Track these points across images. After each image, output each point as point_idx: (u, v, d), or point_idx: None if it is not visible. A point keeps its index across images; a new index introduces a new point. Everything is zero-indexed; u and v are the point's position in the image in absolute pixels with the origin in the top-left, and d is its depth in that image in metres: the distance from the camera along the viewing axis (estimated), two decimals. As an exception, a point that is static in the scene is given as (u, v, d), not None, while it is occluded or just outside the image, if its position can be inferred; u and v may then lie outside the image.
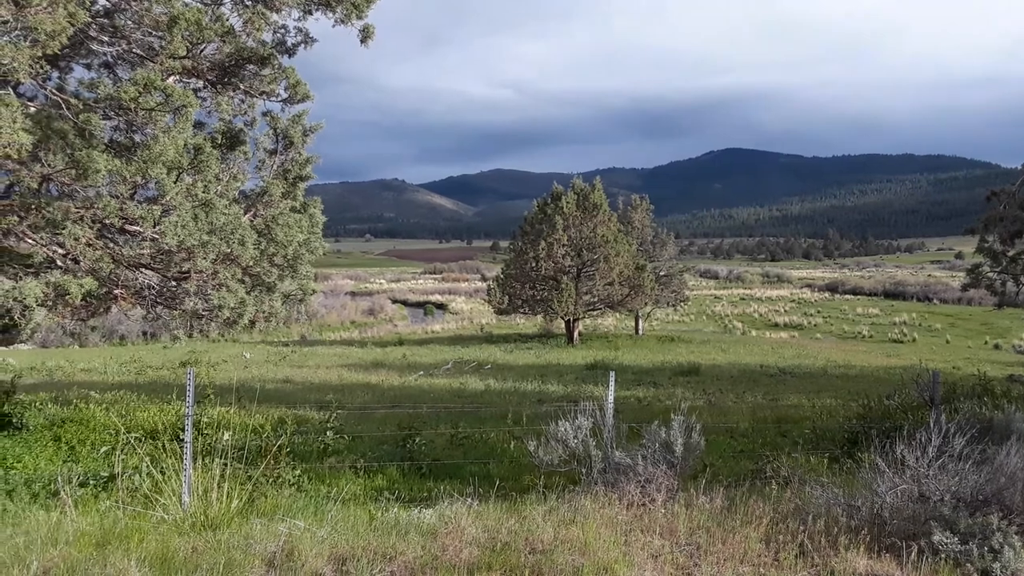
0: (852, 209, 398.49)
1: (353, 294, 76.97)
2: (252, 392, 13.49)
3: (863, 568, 4.42)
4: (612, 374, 7.70)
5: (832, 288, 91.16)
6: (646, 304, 40.88)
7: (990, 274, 10.57)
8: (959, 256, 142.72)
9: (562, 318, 38.71)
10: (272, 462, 7.00)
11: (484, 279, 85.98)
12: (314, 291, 8.60)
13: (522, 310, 40.01)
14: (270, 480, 6.89)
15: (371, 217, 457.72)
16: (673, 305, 47.64)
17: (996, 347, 43.16)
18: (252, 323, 7.73)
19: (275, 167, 7.98)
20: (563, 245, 37.37)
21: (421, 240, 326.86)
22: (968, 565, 4.46)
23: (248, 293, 7.50)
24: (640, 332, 44.07)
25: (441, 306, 74.22)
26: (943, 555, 4.55)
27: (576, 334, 38.99)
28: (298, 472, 7.44)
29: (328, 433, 8.89)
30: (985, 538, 4.53)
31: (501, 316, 44.97)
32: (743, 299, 76.25)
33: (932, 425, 5.60)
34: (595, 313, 41.25)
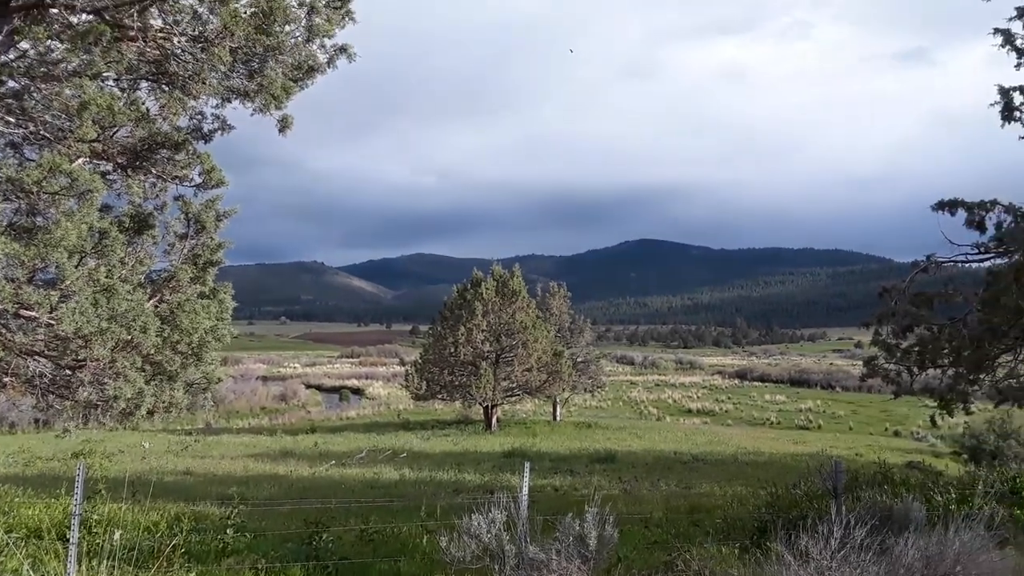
0: (758, 299, 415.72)
1: (265, 379, 74.39)
2: (149, 486, 12.72)
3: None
4: (527, 465, 7.63)
5: (741, 375, 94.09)
6: (564, 390, 41.08)
7: (885, 365, 11.12)
8: (858, 345, 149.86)
9: (480, 404, 38.40)
10: (165, 564, 6.56)
11: (403, 363, 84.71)
12: (220, 379, 8.29)
13: (440, 396, 39.49)
14: (162, 583, 6.44)
15: (288, 299, 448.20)
16: (590, 391, 48.04)
17: (896, 434, 45.07)
18: (151, 413, 7.37)
19: (185, 251, 7.80)
20: (482, 330, 37.45)
21: (339, 323, 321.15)
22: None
23: (148, 382, 7.17)
24: (558, 418, 44.06)
25: (357, 391, 72.49)
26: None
27: (494, 420, 38.66)
28: (193, 575, 6.98)
29: (228, 531, 8.42)
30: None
31: (419, 402, 44.26)
32: (658, 385, 77.68)
33: (834, 516, 5.76)
34: (513, 399, 41.11)
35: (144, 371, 7.36)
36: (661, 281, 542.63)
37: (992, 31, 9.99)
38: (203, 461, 24.87)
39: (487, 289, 38.17)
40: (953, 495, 11.45)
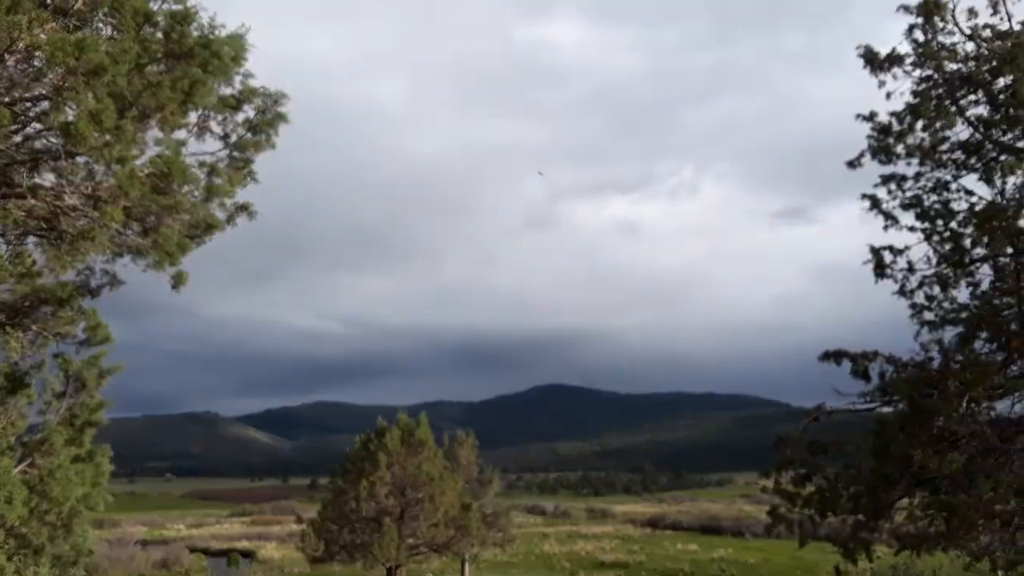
0: (665, 443, 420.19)
1: (145, 543, 68.08)
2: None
3: None
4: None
5: (653, 523, 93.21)
6: (472, 546, 39.36)
7: (788, 515, 11.22)
8: (764, 490, 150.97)
9: (383, 565, 36.17)
10: None
11: (300, 521, 79.55)
12: (91, 551, 7.52)
13: (339, 557, 37.01)
14: None
15: (176, 454, 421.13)
16: (500, 545, 46.20)
17: (805, 580, 44.99)
18: (7, 595, 6.53)
19: (62, 411, 7.27)
20: (386, 483, 35.89)
21: (231, 478, 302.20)
22: None
23: (10, 558, 6.42)
24: (466, 577, 41.95)
25: (248, 554, 67.19)
26: None
27: (398, 582, 36.39)
28: None
29: None
30: None
31: (316, 564, 41.34)
32: (570, 536, 75.70)
33: None
34: (419, 557, 38.99)
35: (6, 545, 6.60)
36: (570, 426, 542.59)
37: (860, 196, 11.05)
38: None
39: (392, 439, 36.97)
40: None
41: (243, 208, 7.98)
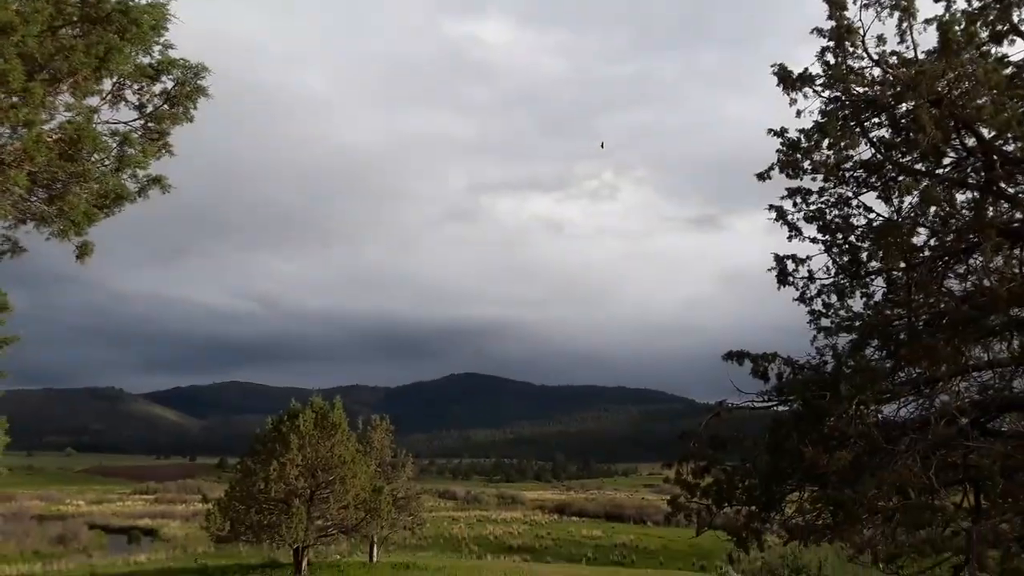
0: (576, 434, 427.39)
1: (41, 517, 65.22)
2: None
3: None
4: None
5: (560, 510, 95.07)
6: (383, 528, 39.24)
7: (687, 504, 11.67)
8: (666, 480, 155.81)
9: (291, 546, 35.69)
10: None
11: (206, 500, 77.64)
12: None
13: (245, 537, 36.30)
14: None
15: (76, 429, 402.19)
16: (410, 529, 46.19)
17: (702, 568, 46.72)
18: None
19: (-47, 383, 6.93)
20: (297, 465, 35.38)
21: (135, 456, 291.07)
22: None
23: None
24: (374, 559, 41.83)
25: (150, 532, 65.13)
26: None
27: (305, 563, 35.99)
28: None
29: None
30: None
31: (221, 544, 40.43)
32: (480, 521, 76.39)
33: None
34: (327, 539, 38.61)
35: None
36: (485, 414, 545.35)
37: (768, 207, 11.55)
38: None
39: (305, 421, 36.44)
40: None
41: (156, 181, 7.73)
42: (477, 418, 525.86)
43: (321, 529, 36.04)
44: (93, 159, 7.03)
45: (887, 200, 11.04)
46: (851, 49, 10.17)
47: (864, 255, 11.09)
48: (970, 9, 9.90)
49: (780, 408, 11.25)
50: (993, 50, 10.08)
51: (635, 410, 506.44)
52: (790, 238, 11.30)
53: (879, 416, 10.89)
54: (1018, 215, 10.22)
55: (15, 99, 6.14)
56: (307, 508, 35.01)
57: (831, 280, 11.34)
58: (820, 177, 11.02)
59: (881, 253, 10.59)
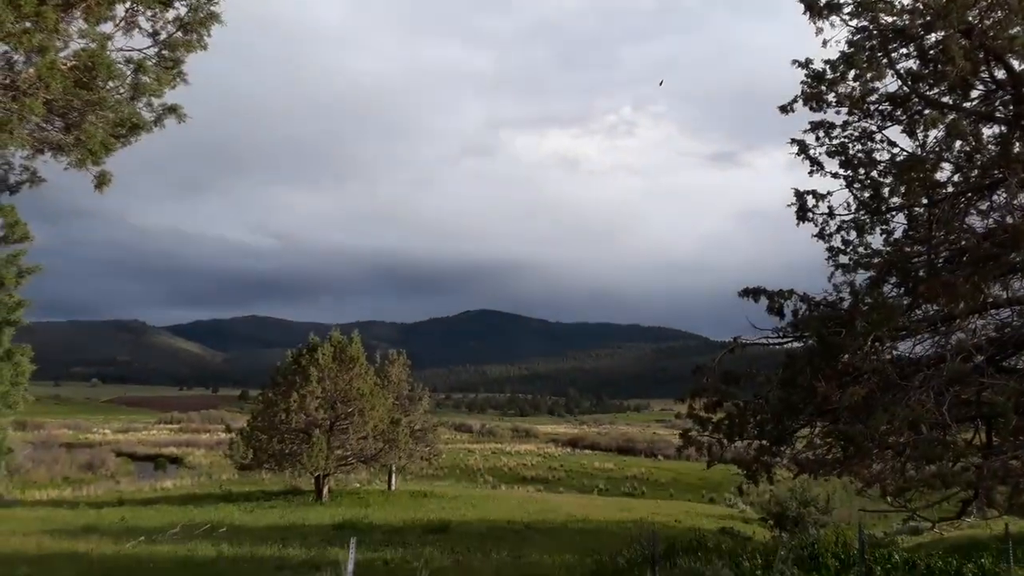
0: (590, 371, 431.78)
1: (70, 445, 67.18)
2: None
3: None
4: (353, 541, 7.44)
5: (573, 443, 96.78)
6: (400, 458, 40.22)
7: (699, 437, 11.83)
8: (678, 416, 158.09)
9: (312, 474, 36.72)
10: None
11: (229, 430, 79.60)
12: (10, 449, 7.48)
13: (268, 465, 37.36)
14: None
15: (102, 360, 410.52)
16: (427, 459, 47.28)
17: (711, 500, 47.73)
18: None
19: (-20, 309, 7.08)
20: (317, 397, 36.12)
21: (159, 387, 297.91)
22: None
23: (-77, 453, 6.35)
24: (393, 487, 42.98)
25: (176, 460, 67.05)
26: None
27: (326, 490, 37.05)
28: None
29: (10, 622, 7.50)
30: None
31: (244, 472, 41.64)
32: (494, 453, 78.04)
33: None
34: (347, 468, 39.67)
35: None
36: (500, 350, 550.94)
37: (790, 141, 11.34)
38: (-14, 540, 21.91)
39: (324, 355, 37.04)
40: (759, 561, 12.30)
41: (172, 110, 7.69)
42: (492, 354, 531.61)
43: (341, 458, 36.99)
44: (108, 87, 6.98)
45: (911, 134, 10.81)
46: (881, -25, 9.81)
47: (886, 190, 10.93)
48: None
49: (794, 344, 11.29)
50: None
51: (649, 348, 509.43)
52: (811, 173, 11.14)
53: (894, 353, 10.91)
54: (1046, 150, 9.98)
55: (28, 23, 6.08)
56: (327, 438, 35.87)
57: (851, 216, 11.21)
58: (844, 110, 10.78)
59: (903, 188, 10.43)
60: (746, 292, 10.99)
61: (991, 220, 10.31)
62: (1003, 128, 10.28)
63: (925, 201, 10.62)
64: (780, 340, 11.19)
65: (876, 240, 11.29)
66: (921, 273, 10.66)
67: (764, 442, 11.41)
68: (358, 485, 46.21)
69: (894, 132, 10.96)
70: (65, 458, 55.92)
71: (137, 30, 7.51)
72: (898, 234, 11.33)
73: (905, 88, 10.41)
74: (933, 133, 10.43)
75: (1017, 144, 9.96)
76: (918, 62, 10.27)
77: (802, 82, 10.54)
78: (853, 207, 11.14)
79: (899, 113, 10.93)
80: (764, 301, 10.94)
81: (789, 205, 11.17)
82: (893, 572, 10.14)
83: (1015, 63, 9.76)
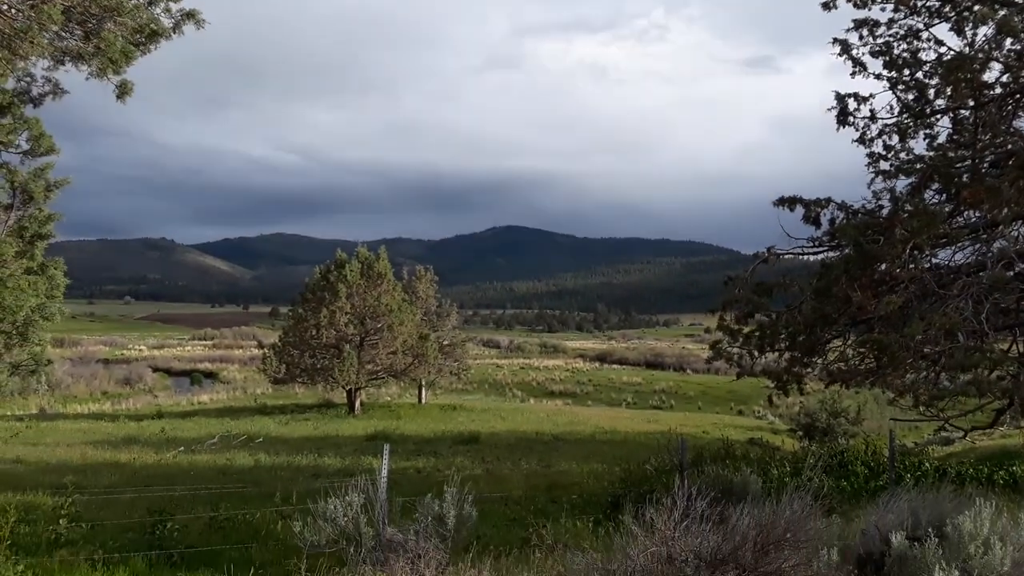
0: (618, 286, 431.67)
1: (107, 361, 69.39)
2: (-31, 477, 11.62)
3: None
4: (387, 447, 7.58)
5: (602, 358, 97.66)
6: (429, 373, 41.00)
7: (729, 349, 11.79)
8: (707, 331, 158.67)
9: (343, 387, 37.66)
10: (-15, 560, 6.02)
11: (261, 346, 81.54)
12: (49, 361, 7.66)
13: (300, 379, 38.37)
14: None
15: (133, 278, 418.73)
16: (456, 374, 48.20)
17: (740, 412, 48.26)
18: (-30, 398, 6.70)
19: (10, 223, 7.10)
20: (346, 313, 36.65)
21: (190, 304, 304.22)
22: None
23: (-32, 363, 6.51)
24: (423, 401, 43.99)
25: (211, 375, 69.05)
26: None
27: (358, 403, 38.05)
28: (20, 568, 6.45)
29: (61, 521, 7.84)
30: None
31: (277, 386, 42.81)
32: (523, 368, 79.14)
33: (678, 489, 6.07)
34: (378, 382, 40.59)
35: (-38, 352, 6.68)
36: (527, 267, 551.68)
37: (832, 40, 10.81)
38: (35, 449, 22.95)
39: (352, 271, 37.36)
40: (788, 468, 12.41)
41: (190, 15, 7.47)
42: (520, 270, 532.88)
43: (371, 373, 37.81)
44: (125, -9, 6.78)
45: (959, 32, 10.23)
46: None
47: (931, 92, 10.45)
48: None
49: (830, 254, 11.06)
50: None
51: (678, 262, 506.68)
52: (853, 75, 10.65)
53: (932, 261, 10.65)
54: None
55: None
56: (357, 353, 36.58)
57: (894, 120, 10.77)
58: (890, 7, 10.21)
59: (949, 90, 9.96)
60: (782, 201, 10.71)
61: (1042, 122, 9.85)
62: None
63: (971, 103, 10.14)
64: (815, 249, 10.97)
65: (919, 145, 10.88)
66: (965, 178, 10.28)
67: (795, 353, 11.34)
68: (389, 399, 47.37)
69: (941, 30, 10.39)
70: (103, 373, 57.84)
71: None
72: (942, 138, 10.89)
73: (957, -20, 9.80)
74: (982, 31, 9.87)
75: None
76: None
77: (848, -25, 9.96)
78: (896, 110, 10.70)
79: (947, 9, 10.33)
80: (800, 210, 10.69)
81: (829, 109, 10.75)
82: (923, 479, 10.17)
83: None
